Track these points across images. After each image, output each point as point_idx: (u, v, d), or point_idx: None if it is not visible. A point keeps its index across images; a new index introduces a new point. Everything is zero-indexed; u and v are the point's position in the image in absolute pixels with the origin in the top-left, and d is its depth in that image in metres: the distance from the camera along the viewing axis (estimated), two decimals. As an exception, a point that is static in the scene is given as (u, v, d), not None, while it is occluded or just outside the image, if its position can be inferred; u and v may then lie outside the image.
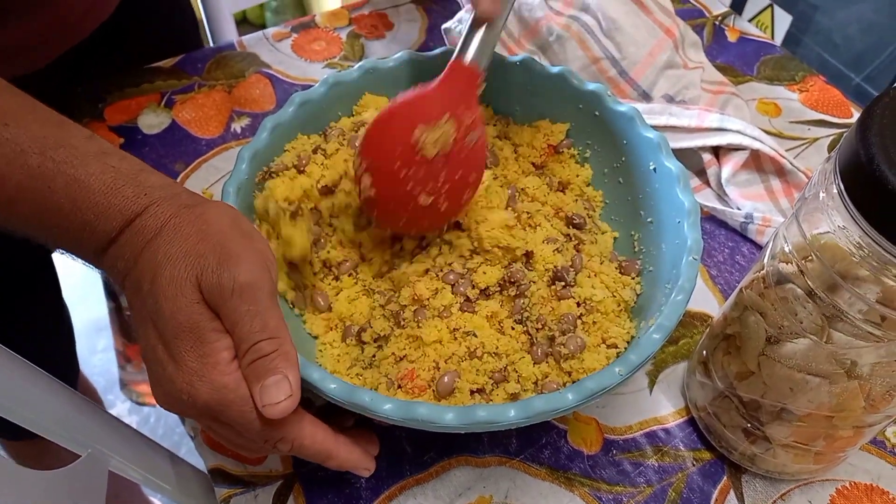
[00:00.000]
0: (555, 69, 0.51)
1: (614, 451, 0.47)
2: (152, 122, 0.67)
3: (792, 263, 0.36)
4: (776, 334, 0.38)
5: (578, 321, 0.44)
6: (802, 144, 0.66)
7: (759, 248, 0.58)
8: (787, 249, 0.36)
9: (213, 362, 0.34)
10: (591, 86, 0.50)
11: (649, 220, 0.48)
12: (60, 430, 0.55)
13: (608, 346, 0.43)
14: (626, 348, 0.43)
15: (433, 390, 0.41)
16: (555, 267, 0.46)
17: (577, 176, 0.53)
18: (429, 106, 0.44)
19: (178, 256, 0.35)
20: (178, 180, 0.62)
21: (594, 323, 0.44)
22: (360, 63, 0.52)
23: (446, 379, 0.41)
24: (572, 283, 0.46)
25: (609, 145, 0.51)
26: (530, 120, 0.54)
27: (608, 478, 0.46)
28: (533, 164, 0.53)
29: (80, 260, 0.39)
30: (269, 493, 0.45)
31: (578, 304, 0.45)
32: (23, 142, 0.35)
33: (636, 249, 0.49)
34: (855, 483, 0.46)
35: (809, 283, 0.35)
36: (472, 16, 0.44)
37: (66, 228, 0.36)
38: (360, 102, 0.54)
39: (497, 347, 0.43)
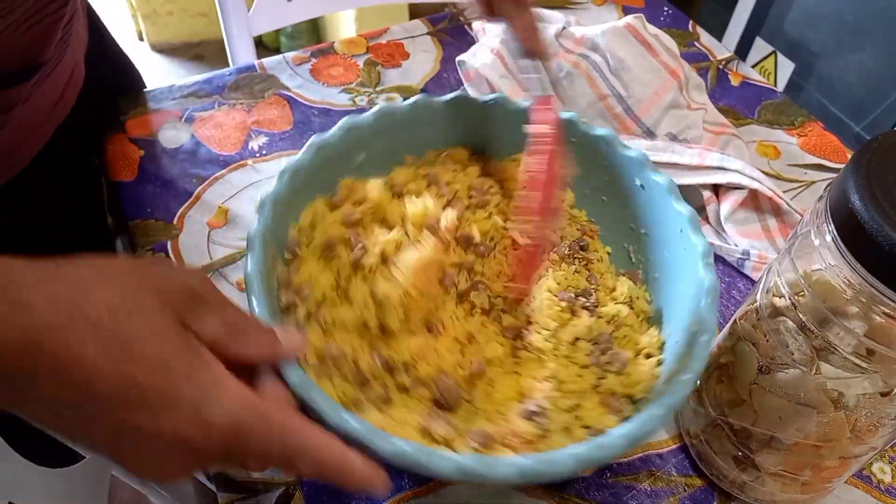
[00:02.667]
0: (522, 104, 0.53)
1: (608, 474, 0.49)
2: (172, 136, 0.69)
3: (784, 297, 0.38)
4: (767, 364, 0.39)
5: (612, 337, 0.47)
6: (799, 187, 0.69)
7: (755, 283, 0.60)
8: (780, 283, 0.38)
9: (213, 379, 0.30)
10: (567, 114, 0.52)
11: (643, 231, 0.51)
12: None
13: (646, 357, 0.45)
14: (660, 354, 0.45)
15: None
16: (576, 291, 0.49)
17: (562, 201, 0.55)
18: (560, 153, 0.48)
19: (113, 296, 0.29)
20: (196, 194, 0.64)
21: (625, 337, 0.47)
22: (376, 107, 0.52)
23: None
24: (596, 304, 0.48)
25: (589, 166, 0.53)
26: (507, 153, 0.56)
27: (601, 500, 0.47)
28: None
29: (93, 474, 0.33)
30: (270, 500, 0.47)
31: (608, 322, 0.48)
32: None
33: (633, 260, 0.52)
34: (841, 515, 0.48)
35: (801, 316, 0.36)
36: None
37: None
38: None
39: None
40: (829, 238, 0.33)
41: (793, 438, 0.40)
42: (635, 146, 0.64)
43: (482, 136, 0.55)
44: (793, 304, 0.37)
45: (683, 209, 0.47)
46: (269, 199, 0.46)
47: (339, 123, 0.51)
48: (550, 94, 0.49)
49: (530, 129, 0.48)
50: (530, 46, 0.50)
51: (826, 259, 0.34)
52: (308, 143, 0.50)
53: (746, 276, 0.60)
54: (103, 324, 0.28)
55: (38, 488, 0.51)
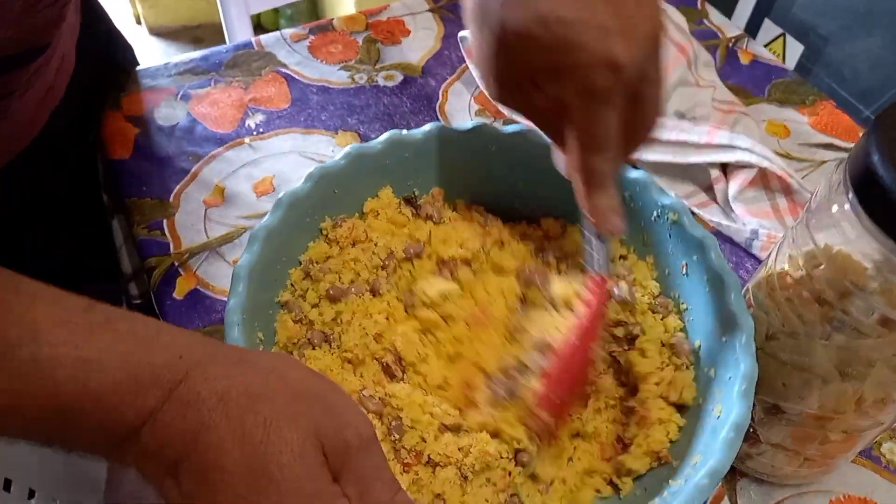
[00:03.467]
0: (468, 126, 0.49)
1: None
2: (168, 114, 0.68)
3: (801, 268, 0.37)
4: (776, 332, 0.39)
5: None
6: (810, 166, 0.67)
7: (769, 254, 0.58)
8: (796, 254, 0.37)
9: None
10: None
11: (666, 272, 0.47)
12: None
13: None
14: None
15: None
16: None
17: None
18: (597, 326, 0.43)
19: (279, 419, 0.29)
20: (192, 172, 0.63)
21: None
22: (385, 136, 0.48)
23: None
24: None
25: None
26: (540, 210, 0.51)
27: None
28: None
29: (91, 455, 0.33)
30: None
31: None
32: (5, 330, 0.28)
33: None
34: (849, 496, 0.46)
35: (818, 287, 0.35)
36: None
37: (74, 423, 0.29)
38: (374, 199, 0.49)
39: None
40: (847, 206, 0.32)
41: (797, 409, 0.39)
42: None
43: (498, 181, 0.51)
44: (808, 274, 0.36)
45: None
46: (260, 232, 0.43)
47: (345, 152, 0.47)
48: (607, 272, 0.43)
49: (576, 308, 0.43)
50: (603, 225, 0.40)
51: (845, 230, 0.33)
52: (308, 174, 0.46)
53: (754, 257, 0.59)
54: (255, 439, 0.28)
55: (34, 467, 0.50)
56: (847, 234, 0.33)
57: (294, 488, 0.28)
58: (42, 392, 0.28)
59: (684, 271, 0.45)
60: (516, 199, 0.51)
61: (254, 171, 0.63)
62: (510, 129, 0.48)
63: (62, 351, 0.28)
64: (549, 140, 0.42)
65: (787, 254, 0.38)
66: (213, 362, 0.30)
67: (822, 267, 0.35)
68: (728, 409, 0.37)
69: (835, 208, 0.34)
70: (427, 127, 0.49)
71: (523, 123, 0.48)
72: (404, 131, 0.48)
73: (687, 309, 0.45)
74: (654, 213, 0.45)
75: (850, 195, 0.32)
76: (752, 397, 0.37)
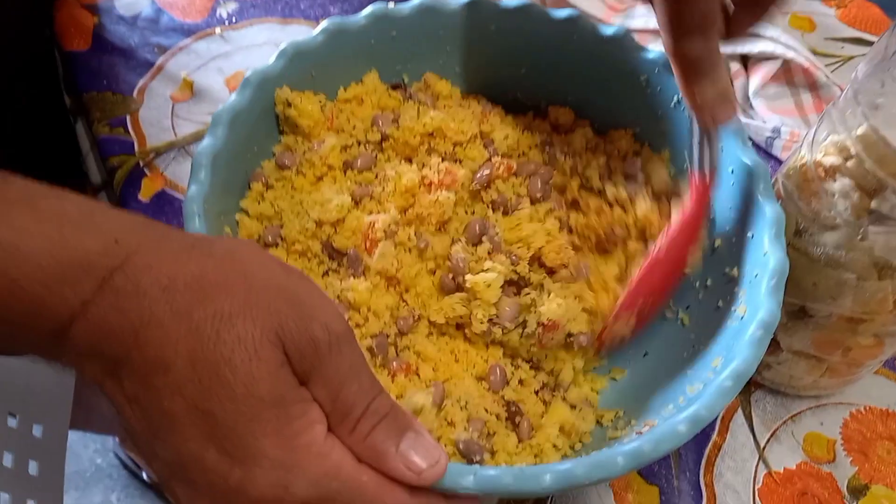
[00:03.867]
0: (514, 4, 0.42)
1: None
2: (130, 2, 0.61)
3: (838, 156, 0.32)
4: (808, 226, 0.35)
5: None
6: (836, 62, 0.62)
7: (803, 138, 0.54)
8: (839, 139, 0.32)
9: (306, 443, 0.25)
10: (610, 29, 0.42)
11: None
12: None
13: None
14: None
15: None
16: None
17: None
18: (700, 224, 0.38)
19: (234, 313, 0.25)
20: (157, 65, 0.57)
21: None
22: (368, 9, 0.42)
23: None
24: None
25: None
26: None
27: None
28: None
29: (25, 356, 0.28)
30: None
31: None
32: None
33: None
34: (870, 407, 0.44)
35: (861, 175, 0.31)
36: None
37: None
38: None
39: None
40: None
41: (826, 310, 0.36)
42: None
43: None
44: (854, 160, 0.31)
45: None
46: (206, 151, 0.36)
47: (322, 27, 0.41)
48: (712, 169, 0.37)
49: (675, 207, 0.39)
50: (712, 113, 0.34)
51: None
52: (280, 51, 0.40)
53: (774, 158, 0.54)
54: (204, 335, 0.24)
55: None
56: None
57: (249, 392, 0.24)
58: None
59: None
60: (519, 88, 0.45)
61: (225, 64, 0.58)
62: (512, 3, 0.43)
63: None
64: (561, 14, 0.37)
65: (823, 141, 0.34)
66: (158, 248, 0.26)
67: (866, 152, 0.31)
68: (754, 308, 0.33)
69: (887, 79, 0.29)
70: (369, 10, 0.42)
71: None
72: (391, 4, 0.42)
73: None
74: (674, 99, 0.40)
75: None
76: (781, 294, 0.33)
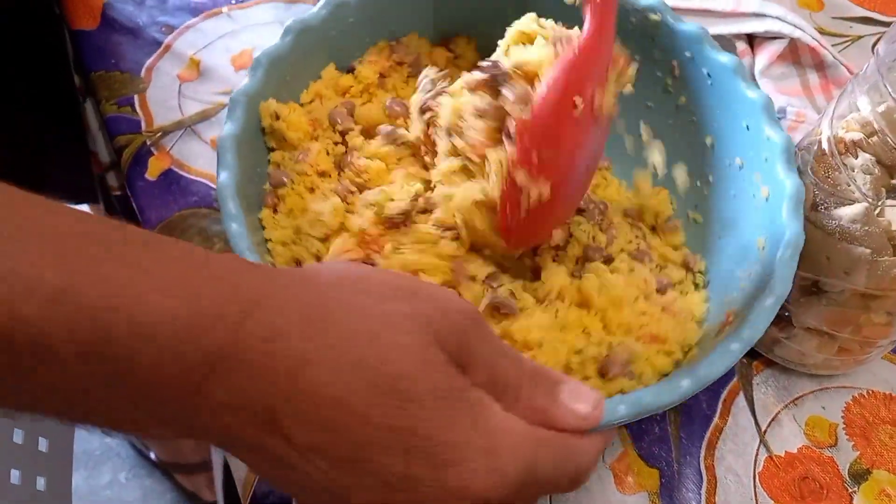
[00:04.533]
0: None
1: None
2: (138, -19, 0.61)
3: (860, 132, 0.33)
4: (824, 199, 0.36)
5: None
6: (844, 42, 0.61)
7: (821, 113, 0.54)
8: (857, 117, 0.33)
9: (496, 426, 0.26)
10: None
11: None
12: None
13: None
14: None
15: None
16: None
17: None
18: (598, 58, 0.34)
19: (385, 328, 0.24)
20: (165, 44, 0.57)
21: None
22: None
23: None
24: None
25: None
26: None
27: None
28: None
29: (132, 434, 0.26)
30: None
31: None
32: (30, 277, 0.20)
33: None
34: (873, 391, 0.44)
35: (885, 150, 0.32)
36: None
37: (124, 383, 0.21)
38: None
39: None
40: None
41: (840, 285, 0.36)
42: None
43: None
44: (869, 137, 0.32)
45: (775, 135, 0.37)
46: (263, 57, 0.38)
47: (287, 25, 0.41)
48: None
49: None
50: None
51: None
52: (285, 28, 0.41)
53: (781, 139, 0.54)
54: (368, 362, 0.23)
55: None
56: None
57: (434, 396, 0.24)
58: (92, 355, 0.20)
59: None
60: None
61: (232, 43, 0.58)
62: None
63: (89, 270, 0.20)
64: None
65: (844, 116, 0.34)
66: (275, 288, 0.24)
67: (889, 128, 0.32)
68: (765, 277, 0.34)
69: None
70: None
71: None
72: None
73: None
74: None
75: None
76: (794, 267, 0.33)
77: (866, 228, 0.34)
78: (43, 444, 0.48)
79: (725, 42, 0.56)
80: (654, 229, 0.44)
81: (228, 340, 0.22)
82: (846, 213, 0.34)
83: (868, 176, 0.33)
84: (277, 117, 0.39)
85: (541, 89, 0.33)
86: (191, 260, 0.23)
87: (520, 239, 0.37)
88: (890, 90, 0.31)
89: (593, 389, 0.28)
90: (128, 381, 0.21)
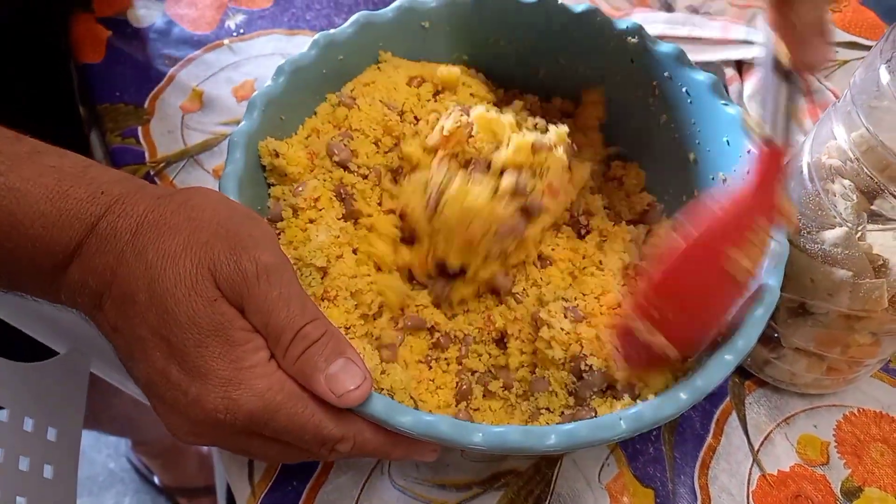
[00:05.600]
0: (579, 8, 0.44)
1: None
2: (143, 15, 0.63)
3: (838, 158, 0.34)
4: (807, 223, 0.36)
5: None
6: (832, 66, 0.62)
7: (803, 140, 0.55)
8: (835, 144, 0.33)
9: (250, 365, 0.29)
10: (579, 7, 0.44)
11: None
12: (39, 327, 0.53)
13: None
14: None
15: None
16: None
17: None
18: (750, 217, 0.32)
19: (178, 252, 0.29)
20: (168, 76, 0.59)
21: None
22: (315, 38, 0.44)
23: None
24: None
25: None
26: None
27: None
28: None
29: (29, 296, 0.32)
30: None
31: None
32: None
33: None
34: (863, 409, 0.44)
35: (861, 175, 0.33)
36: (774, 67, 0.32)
37: (6, 255, 0.30)
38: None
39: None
40: None
41: (824, 307, 0.37)
42: (651, 20, 0.58)
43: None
44: (845, 163, 0.33)
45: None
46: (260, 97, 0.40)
47: (353, 19, 0.44)
48: (788, 140, 0.32)
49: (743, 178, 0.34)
50: (805, 55, 0.31)
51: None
52: (313, 41, 0.43)
53: (770, 163, 0.55)
54: (156, 272, 0.29)
55: (11, 384, 0.48)
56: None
57: (192, 323, 0.28)
58: None
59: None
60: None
61: (234, 74, 0.59)
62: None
63: None
64: None
65: (824, 142, 0.35)
66: (133, 197, 0.30)
67: (869, 152, 0.33)
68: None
69: (883, 81, 0.31)
70: (354, 18, 0.44)
71: None
72: (332, 30, 0.44)
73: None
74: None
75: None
76: (781, 276, 0.34)
77: (847, 252, 0.34)
78: (48, 471, 0.48)
79: (714, 69, 0.57)
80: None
81: (83, 236, 0.29)
82: (828, 237, 0.35)
83: (847, 201, 0.34)
84: (277, 154, 0.41)
85: (675, 243, 0.32)
86: (71, 167, 0.30)
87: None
88: (862, 119, 0.32)
89: (366, 376, 0.30)
90: (11, 260, 0.29)
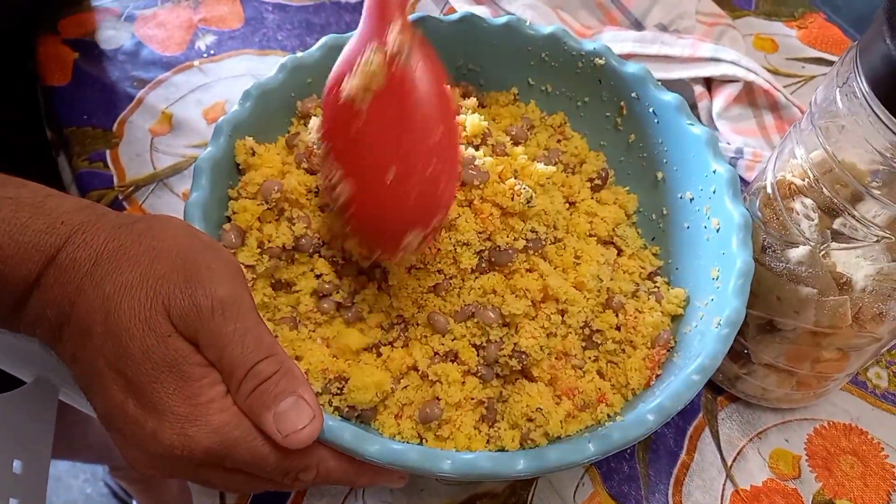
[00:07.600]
0: (500, 21, 0.45)
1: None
2: (111, 37, 0.63)
3: (799, 178, 0.34)
4: (772, 242, 0.37)
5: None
6: (798, 82, 0.63)
7: (748, 184, 0.56)
8: (797, 163, 0.34)
9: (207, 400, 0.29)
10: (547, 29, 0.45)
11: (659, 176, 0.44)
12: (3, 356, 0.52)
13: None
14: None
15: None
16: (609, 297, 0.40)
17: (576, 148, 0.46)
18: (353, 50, 0.34)
19: (134, 284, 0.29)
20: (137, 98, 0.58)
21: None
22: (283, 61, 0.43)
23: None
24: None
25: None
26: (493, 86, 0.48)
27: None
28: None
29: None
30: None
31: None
32: None
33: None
34: (833, 423, 0.45)
35: (824, 194, 0.33)
36: None
37: None
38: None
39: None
40: (857, 95, 0.29)
41: (791, 324, 0.37)
42: (621, 38, 0.58)
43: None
44: (815, 181, 0.33)
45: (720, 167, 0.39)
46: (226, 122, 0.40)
47: (320, 43, 0.44)
48: None
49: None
50: None
51: (853, 124, 0.30)
52: (280, 64, 0.43)
53: (740, 178, 0.56)
54: (112, 305, 0.28)
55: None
56: (854, 129, 0.30)
57: (146, 358, 0.28)
58: None
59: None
60: None
61: (204, 96, 0.59)
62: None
63: None
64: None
65: (786, 161, 0.36)
66: (94, 227, 0.30)
67: (828, 173, 0.33)
68: (720, 307, 0.35)
69: (840, 102, 0.31)
70: (322, 41, 0.44)
71: None
72: (299, 52, 0.44)
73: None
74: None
75: (862, 83, 0.29)
76: (747, 294, 0.34)
77: (812, 270, 0.35)
78: None
79: (683, 86, 0.58)
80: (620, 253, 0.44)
81: (42, 268, 0.29)
82: (793, 255, 0.35)
83: (810, 221, 0.34)
84: (253, 153, 0.40)
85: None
86: (29, 198, 0.30)
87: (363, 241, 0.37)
88: (821, 140, 0.32)
89: (314, 415, 0.29)
90: None
